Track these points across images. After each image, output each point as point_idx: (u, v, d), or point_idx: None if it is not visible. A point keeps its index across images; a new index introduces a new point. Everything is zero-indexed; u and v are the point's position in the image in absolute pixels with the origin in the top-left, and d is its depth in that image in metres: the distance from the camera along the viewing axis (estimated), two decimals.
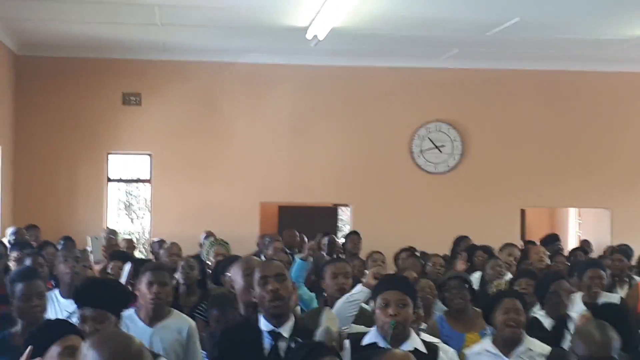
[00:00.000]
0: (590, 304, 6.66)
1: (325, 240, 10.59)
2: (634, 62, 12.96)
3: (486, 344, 5.23)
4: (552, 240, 11.61)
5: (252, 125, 13.12)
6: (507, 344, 5.14)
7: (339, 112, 13.25)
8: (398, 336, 4.39)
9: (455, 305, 6.27)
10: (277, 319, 4.41)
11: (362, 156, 13.24)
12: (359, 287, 5.38)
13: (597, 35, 11.27)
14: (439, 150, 13.27)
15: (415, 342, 4.46)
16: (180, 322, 5.27)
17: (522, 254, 9.43)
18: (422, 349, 4.43)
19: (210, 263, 7.84)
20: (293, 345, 4.30)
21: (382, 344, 4.43)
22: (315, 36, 10.84)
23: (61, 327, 3.74)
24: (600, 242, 13.09)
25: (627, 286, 8.47)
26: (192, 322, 5.37)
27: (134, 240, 11.85)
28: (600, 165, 13.36)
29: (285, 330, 4.39)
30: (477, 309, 6.20)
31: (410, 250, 9.81)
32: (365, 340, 4.52)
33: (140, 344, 2.62)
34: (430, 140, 13.28)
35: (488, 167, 13.34)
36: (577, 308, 6.09)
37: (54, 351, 3.57)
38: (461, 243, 10.81)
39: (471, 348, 5.38)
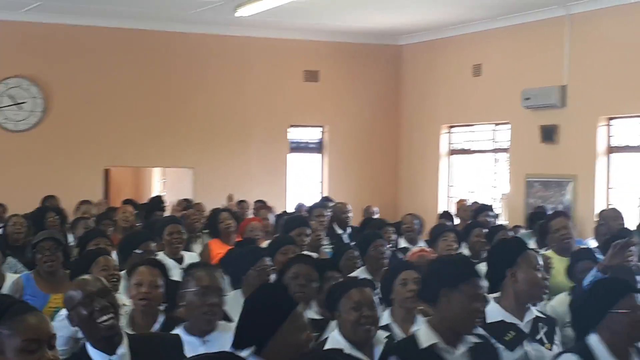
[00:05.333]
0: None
1: None
2: (210, 25, 13.45)
3: None
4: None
5: None
6: None
7: None
8: None
9: (45, 267, 6.15)
10: None
11: None
12: None
13: None
14: (20, 107, 12.84)
15: None
16: None
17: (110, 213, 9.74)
18: None
19: None
20: None
21: None
22: None
23: None
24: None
25: (200, 241, 8.87)
26: None
27: None
28: (182, 126, 13.72)
29: None
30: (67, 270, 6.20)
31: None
32: None
33: None
34: (10, 97, 12.79)
35: (72, 125, 13.15)
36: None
37: None
38: (46, 202, 10.94)
39: None
